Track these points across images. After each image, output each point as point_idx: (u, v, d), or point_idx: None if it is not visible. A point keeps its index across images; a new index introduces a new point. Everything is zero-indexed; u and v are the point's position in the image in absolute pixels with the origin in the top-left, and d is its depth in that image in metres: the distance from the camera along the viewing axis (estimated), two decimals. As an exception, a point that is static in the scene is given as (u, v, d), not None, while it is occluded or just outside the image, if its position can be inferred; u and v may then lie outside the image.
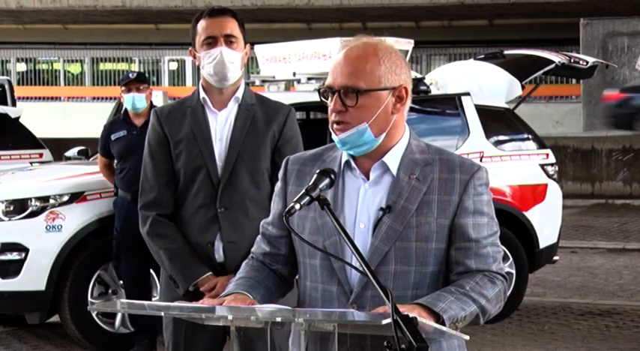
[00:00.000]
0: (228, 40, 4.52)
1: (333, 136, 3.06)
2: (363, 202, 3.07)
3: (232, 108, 4.60)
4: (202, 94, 4.60)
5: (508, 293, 3.13)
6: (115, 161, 8.26)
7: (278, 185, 3.24)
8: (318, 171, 3.00)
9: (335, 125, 3.03)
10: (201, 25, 4.54)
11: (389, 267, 3.01)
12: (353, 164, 3.09)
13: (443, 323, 2.86)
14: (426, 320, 2.77)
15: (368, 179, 3.08)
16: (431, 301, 2.91)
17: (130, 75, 8.37)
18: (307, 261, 3.13)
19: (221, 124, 4.58)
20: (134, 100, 8.16)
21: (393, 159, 3.08)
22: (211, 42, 4.51)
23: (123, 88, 8.24)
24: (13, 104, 16.94)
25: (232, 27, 4.53)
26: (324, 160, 3.16)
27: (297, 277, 3.26)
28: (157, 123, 4.62)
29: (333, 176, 2.99)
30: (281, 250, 3.23)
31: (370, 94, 3.01)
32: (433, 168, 3.08)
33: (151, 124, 4.66)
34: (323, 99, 3.08)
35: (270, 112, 4.62)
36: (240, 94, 4.61)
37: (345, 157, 3.11)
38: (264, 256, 3.24)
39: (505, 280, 3.09)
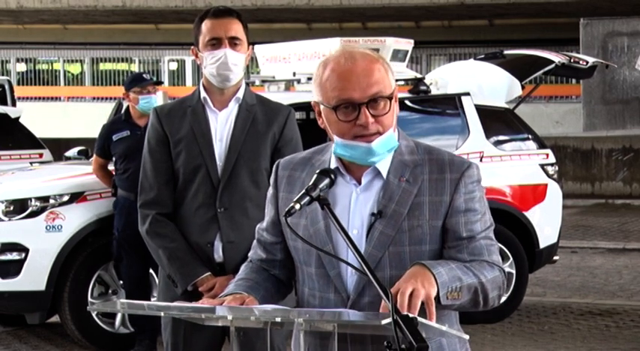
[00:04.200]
0: (233, 42, 4.52)
1: (361, 145, 2.97)
2: (355, 208, 3.04)
3: (233, 108, 4.60)
4: (203, 94, 4.61)
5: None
6: (116, 162, 8.24)
7: (270, 191, 3.22)
8: (318, 171, 2.99)
9: (363, 137, 2.97)
10: (206, 25, 4.54)
11: (384, 273, 2.99)
12: (342, 170, 3.06)
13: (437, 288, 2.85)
14: (426, 320, 2.77)
15: (359, 184, 3.06)
16: (430, 263, 2.90)
17: (145, 76, 8.43)
18: (304, 268, 3.11)
19: (221, 124, 4.58)
20: (152, 101, 8.15)
21: (383, 162, 3.05)
22: (216, 43, 4.51)
23: (136, 89, 8.21)
24: (13, 104, 16.97)
25: (237, 29, 4.54)
26: (312, 164, 3.13)
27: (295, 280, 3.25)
28: (156, 122, 4.62)
29: (333, 176, 2.97)
30: (277, 255, 3.21)
31: (393, 98, 3.01)
32: (423, 169, 3.05)
33: (150, 122, 4.66)
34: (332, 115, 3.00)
35: (270, 112, 4.63)
36: (240, 94, 4.61)
37: (334, 163, 3.07)
38: (261, 262, 3.23)
39: (503, 272, 3.06)
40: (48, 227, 8.18)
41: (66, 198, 8.28)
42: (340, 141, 3.01)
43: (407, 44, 10.07)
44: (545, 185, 9.76)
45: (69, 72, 35.33)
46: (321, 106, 3.04)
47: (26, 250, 8.13)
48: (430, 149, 3.11)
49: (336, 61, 3.01)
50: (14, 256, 8.14)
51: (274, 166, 3.23)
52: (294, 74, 9.76)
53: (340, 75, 2.98)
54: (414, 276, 2.85)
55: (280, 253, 3.20)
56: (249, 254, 3.29)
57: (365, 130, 2.97)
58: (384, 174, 3.04)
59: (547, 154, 9.96)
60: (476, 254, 3.02)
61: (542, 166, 9.83)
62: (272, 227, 3.19)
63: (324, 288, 3.06)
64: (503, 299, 9.26)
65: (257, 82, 10.44)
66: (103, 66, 34.65)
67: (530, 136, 10.04)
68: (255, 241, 3.27)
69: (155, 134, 4.61)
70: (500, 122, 9.94)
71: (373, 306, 2.92)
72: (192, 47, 4.64)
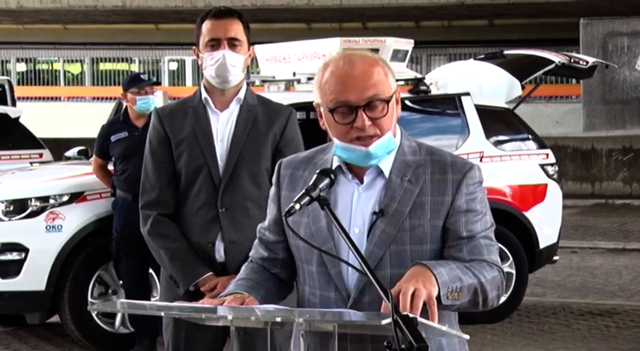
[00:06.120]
0: (232, 43, 4.52)
1: (359, 148, 2.98)
2: (357, 207, 3.05)
3: (234, 109, 4.61)
4: (204, 95, 4.61)
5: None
6: (115, 163, 8.24)
7: (272, 190, 3.23)
8: (318, 171, 2.99)
9: (361, 140, 2.98)
10: (206, 26, 4.54)
11: (385, 271, 2.99)
12: (344, 168, 3.07)
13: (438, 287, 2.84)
14: (425, 320, 2.77)
15: (361, 183, 3.07)
16: (431, 263, 2.90)
17: (143, 77, 8.42)
18: (305, 267, 3.12)
19: (222, 125, 4.59)
20: (149, 102, 8.15)
21: (386, 162, 3.06)
22: (215, 44, 4.51)
23: (134, 89, 8.20)
24: (13, 104, 16.98)
25: (237, 30, 4.53)
26: (315, 163, 3.14)
27: (296, 279, 3.26)
28: (158, 122, 4.62)
29: (333, 176, 2.98)
30: (279, 254, 3.22)
31: (392, 101, 3.01)
32: (425, 169, 3.06)
33: (152, 123, 4.66)
34: (330, 116, 2.99)
35: (271, 113, 4.63)
36: (242, 95, 4.62)
37: (336, 162, 3.08)
38: (263, 261, 3.24)
39: (502, 272, 3.06)
40: (48, 227, 8.18)
41: (66, 198, 8.28)
42: (339, 143, 3.02)
43: (407, 44, 10.07)
44: (545, 185, 9.76)
45: (69, 72, 35.31)
46: (321, 108, 3.06)
47: (26, 250, 8.14)
48: (432, 150, 3.12)
49: (335, 64, 3.02)
50: (14, 256, 8.14)
51: (277, 166, 3.24)
52: (294, 74, 9.77)
53: (338, 78, 2.99)
54: (415, 276, 2.85)
55: (282, 251, 3.21)
56: (251, 254, 3.29)
57: (362, 132, 2.98)
58: (387, 173, 3.05)
59: (547, 154, 9.97)
60: (475, 253, 3.02)
61: (542, 166, 9.84)
62: (274, 226, 3.20)
63: (324, 286, 3.06)
64: (503, 299, 9.26)
65: (257, 82, 10.43)
66: (103, 66, 34.63)
67: (530, 136, 10.04)
68: (256, 241, 3.28)
69: (157, 135, 4.62)
70: (500, 122, 9.94)
71: (374, 305, 2.92)
72: (193, 47, 4.64)
